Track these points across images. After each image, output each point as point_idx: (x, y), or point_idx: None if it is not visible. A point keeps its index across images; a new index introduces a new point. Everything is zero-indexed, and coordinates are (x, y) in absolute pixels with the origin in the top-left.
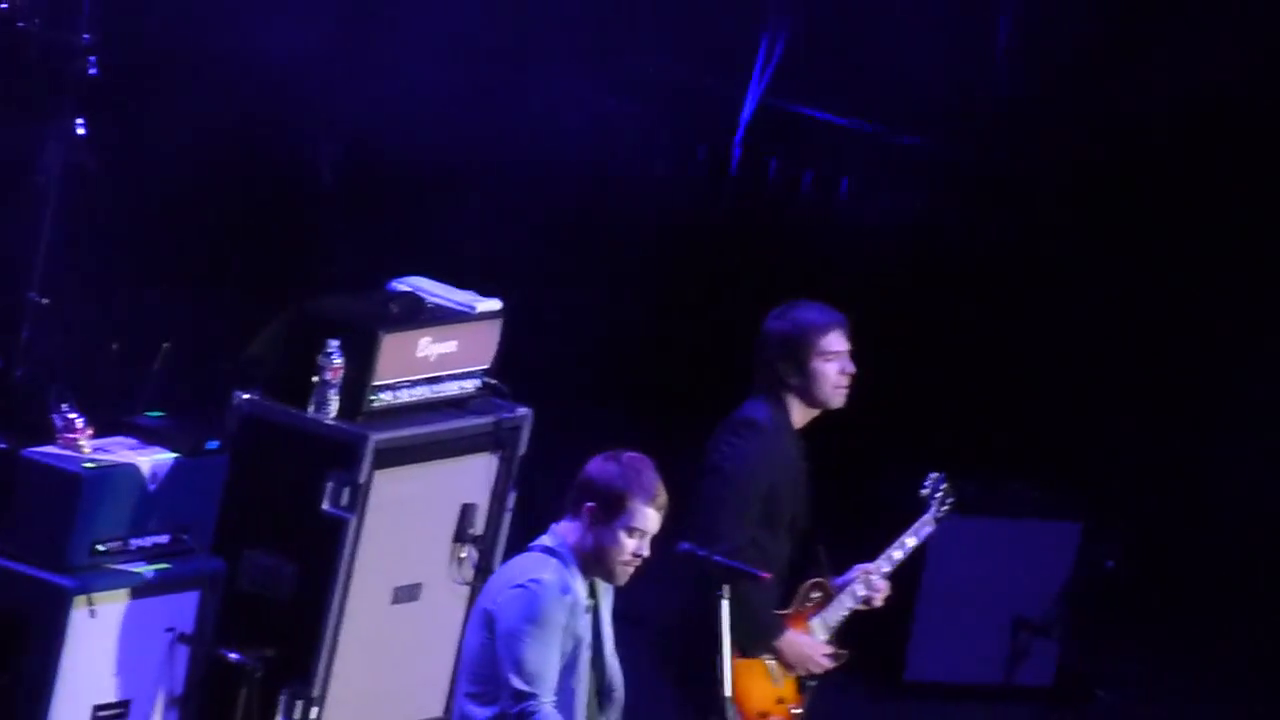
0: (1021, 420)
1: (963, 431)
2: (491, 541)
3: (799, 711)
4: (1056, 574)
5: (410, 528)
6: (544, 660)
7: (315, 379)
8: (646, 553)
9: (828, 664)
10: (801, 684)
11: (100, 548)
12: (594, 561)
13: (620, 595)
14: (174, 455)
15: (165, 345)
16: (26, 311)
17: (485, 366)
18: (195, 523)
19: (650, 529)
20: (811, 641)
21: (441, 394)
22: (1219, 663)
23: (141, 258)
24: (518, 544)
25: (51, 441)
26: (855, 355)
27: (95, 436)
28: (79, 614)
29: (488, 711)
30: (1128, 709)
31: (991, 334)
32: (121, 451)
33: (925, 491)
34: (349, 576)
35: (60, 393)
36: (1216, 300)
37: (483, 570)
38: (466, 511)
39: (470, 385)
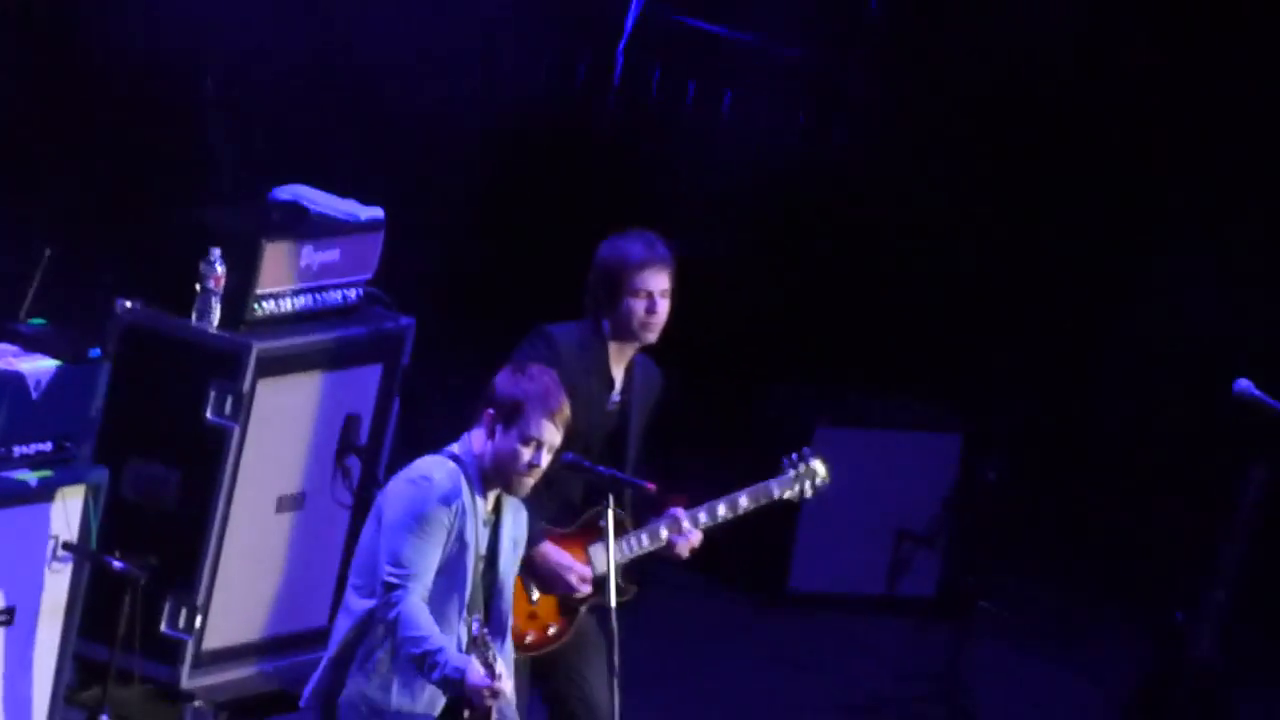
0: (904, 332)
1: (845, 344)
2: (375, 452)
3: (554, 631)
4: (939, 485)
5: (294, 437)
6: (419, 554)
7: (198, 287)
8: (544, 464)
9: (581, 586)
10: (564, 606)
11: None
12: (493, 471)
13: None
14: (56, 363)
15: (47, 252)
16: None
17: (368, 276)
18: (78, 431)
19: (548, 440)
20: (571, 560)
21: (325, 303)
22: (1099, 574)
23: (20, 165)
24: (401, 454)
25: None
26: (673, 294)
27: None
28: None
29: (368, 603)
30: (1009, 620)
31: (874, 248)
32: (3, 359)
33: (786, 463)
34: (232, 485)
35: None
36: (1099, 207)
37: (366, 480)
38: (350, 422)
39: (353, 295)
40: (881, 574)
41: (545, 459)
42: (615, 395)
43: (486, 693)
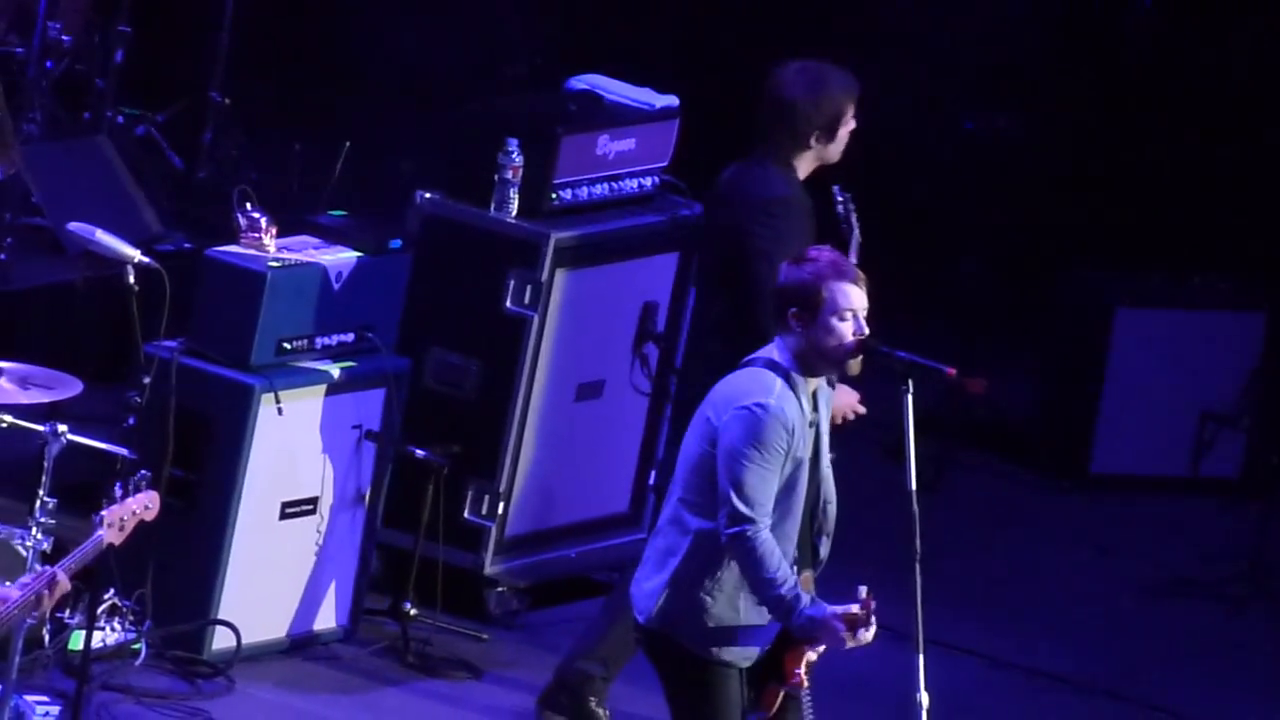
0: (1205, 211)
1: (1146, 225)
2: (673, 339)
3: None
4: (1243, 365)
5: (592, 326)
6: (764, 484)
7: (496, 178)
8: (866, 331)
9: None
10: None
11: (286, 346)
12: (821, 362)
13: None
14: (357, 254)
15: (346, 145)
16: (209, 113)
17: (664, 164)
18: (379, 321)
19: (858, 305)
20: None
21: (621, 192)
22: None
23: (320, 58)
24: (698, 342)
25: (235, 241)
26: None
27: (279, 236)
28: (266, 411)
29: (704, 523)
30: None
31: (1178, 124)
32: (305, 250)
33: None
34: (532, 374)
35: (243, 193)
36: None
37: (664, 367)
38: (648, 309)
39: (649, 183)
40: (1185, 455)
41: (865, 327)
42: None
43: (847, 640)
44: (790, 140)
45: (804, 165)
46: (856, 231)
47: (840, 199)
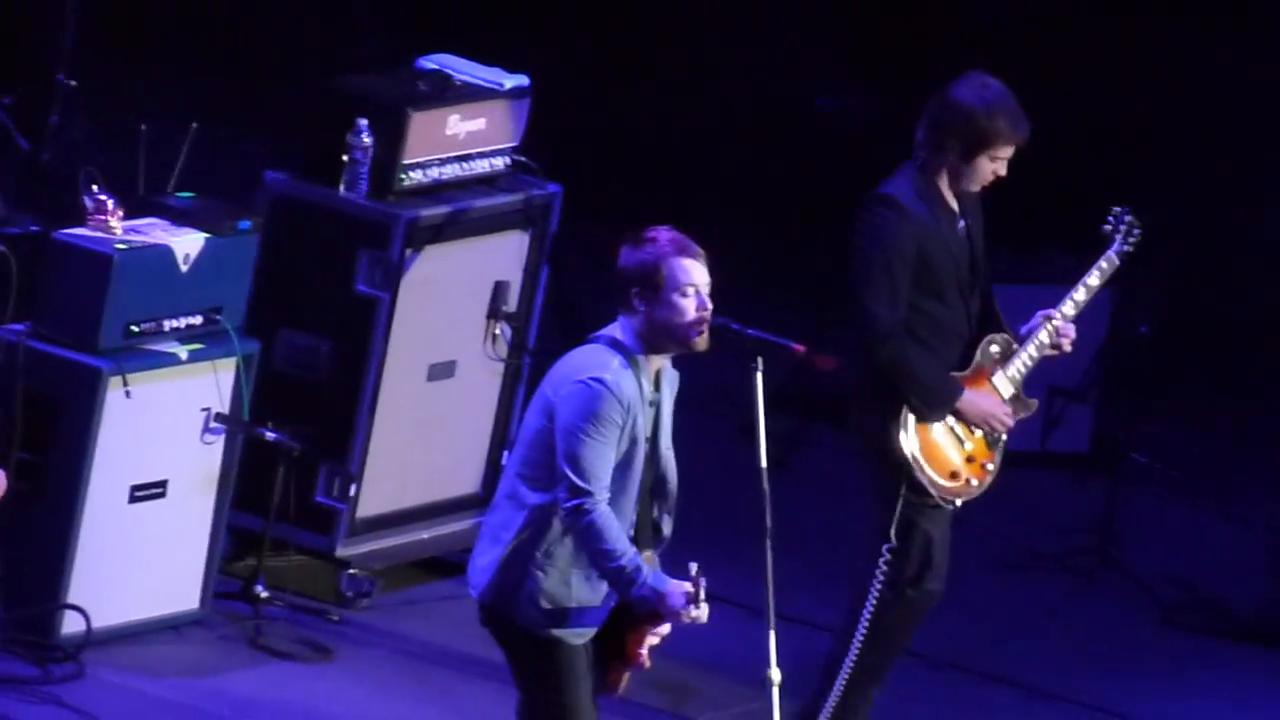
0: (1050, 187)
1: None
2: (525, 318)
3: (993, 466)
4: (1090, 340)
5: (444, 306)
6: (600, 458)
7: (345, 158)
8: (709, 306)
9: (1010, 420)
10: (991, 440)
11: (134, 329)
12: (665, 338)
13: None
14: (205, 235)
15: (193, 126)
16: (55, 94)
17: (514, 144)
18: (229, 303)
19: (700, 281)
20: (991, 399)
21: (471, 172)
22: (1252, 425)
23: (167, 39)
24: (551, 321)
25: (82, 224)
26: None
27: (126, 218)
28: (114, 395)
29: (540, 497)
30: (1162, 473)
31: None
32: (153, 233)
33: (1108, 227)
34: (384, 354)
35: (90, 175)
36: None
37: (517, 347)
38: (499, 289)
39: (500, 163)
40: (1034, 430)
41: (708, 302)
42: (960, 223)
43: (684, 617)
44: (933, 141)
45: (943, 179)
46: (1114, 254)
47: (1112, 219)
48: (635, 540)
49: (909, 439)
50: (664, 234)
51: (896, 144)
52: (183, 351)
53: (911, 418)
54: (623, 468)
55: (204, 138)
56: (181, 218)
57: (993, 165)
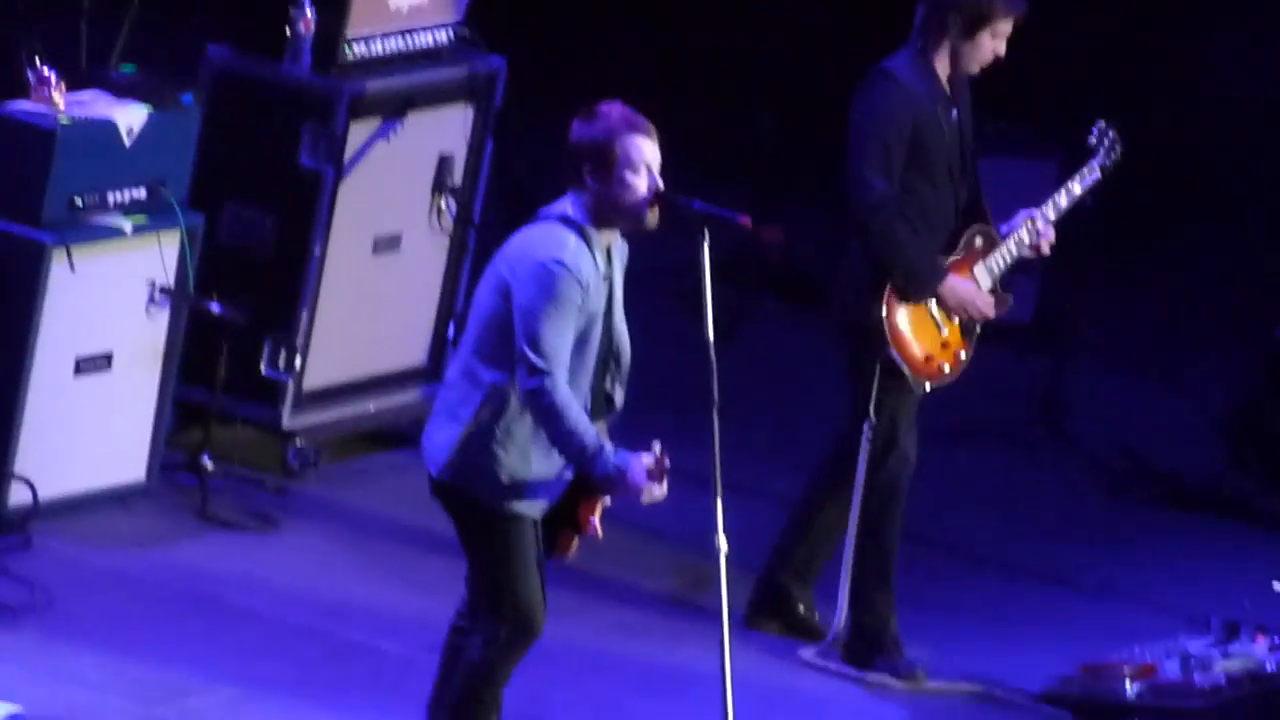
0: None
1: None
2: (470, 191)
3: (965, 355)
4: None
5: (388, 179)
6: (560, 338)
7: (288, 32)
8: (660, 184)
9: (989, 310)
10: (966, 329)
11: (78, 202)
12: (616, 214)
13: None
14: (148, 109)
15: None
16: None
17: (458, 19)
18: (172, 176)
19: (651, 158)
20: (973, 288)
21: (415, 46)
22: (1197, 297)
23: None
24: (495, 194)
25: (25, 97)
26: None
27: (69, 91)
28: (58, 268)
29: (497, 375)
30: (1106, 344)
31: None
32: (96, 106)
33: (1092, 140)
34: (328, 228)
35: (32, 48)
36: None
37: (462, 220)
38: (444, 162)
39: (443, 36)
40: None
41: (659, 180)
42: (954, 112)
43: (644, 493)
44: (934, 20)
45: (941, 62)
46: (1095, 167)
47: (1096, 132)
48: (589, 411)
49: (888, 316)
50: (616, 110)
51: (833, 10)
52: (127, 224)
53: (893, 296)
54: (580, 344)
55: (146, 11)
56: (124, 91)
57: (993, 43)
